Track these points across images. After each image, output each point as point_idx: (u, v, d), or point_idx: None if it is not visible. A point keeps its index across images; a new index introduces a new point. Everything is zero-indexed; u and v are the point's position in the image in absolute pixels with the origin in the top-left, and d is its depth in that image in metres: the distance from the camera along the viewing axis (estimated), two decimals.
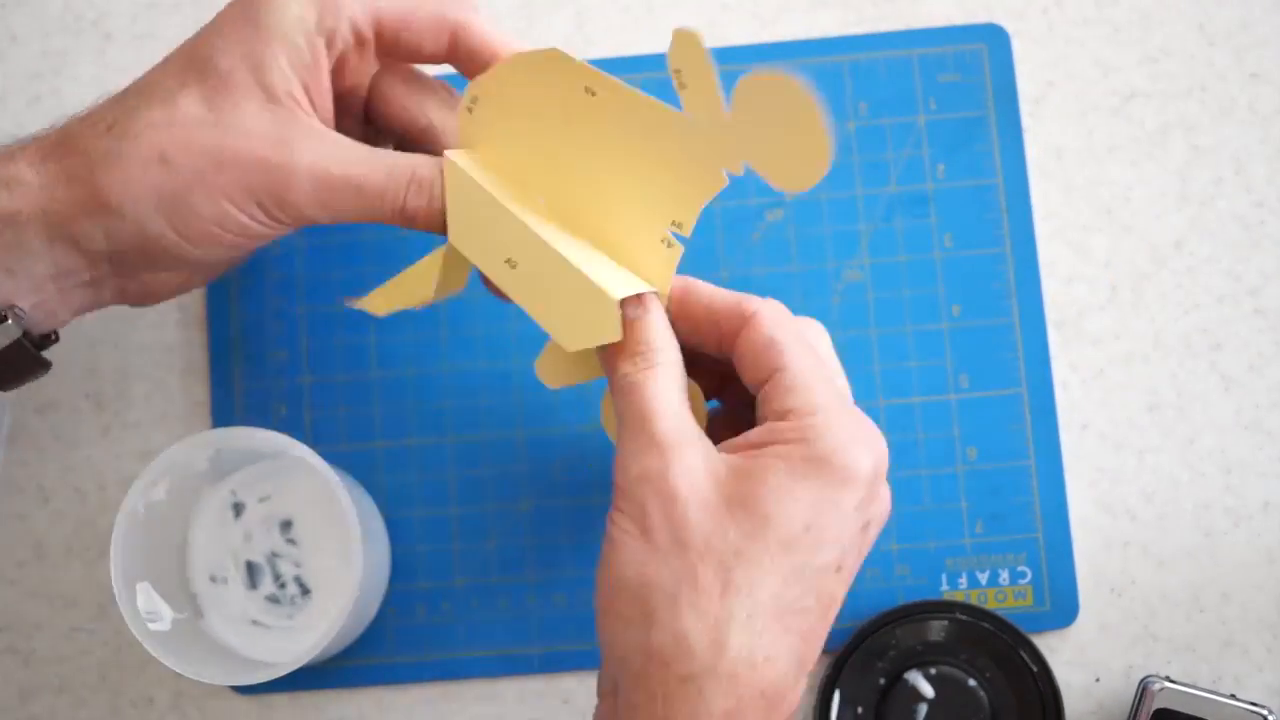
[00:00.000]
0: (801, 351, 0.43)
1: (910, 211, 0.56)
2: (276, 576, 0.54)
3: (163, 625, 0.50)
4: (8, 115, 0.58)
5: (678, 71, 0.40)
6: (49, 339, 0.48)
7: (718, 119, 0.40)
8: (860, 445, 0.42)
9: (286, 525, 0.54)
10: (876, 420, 0.54)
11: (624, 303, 0.42)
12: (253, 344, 0.56)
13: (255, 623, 0.54)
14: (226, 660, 0.52)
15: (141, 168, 0.44)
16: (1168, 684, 0.50)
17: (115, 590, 0.49)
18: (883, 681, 0.52)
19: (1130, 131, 0.57)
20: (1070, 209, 0.57)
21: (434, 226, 0.47)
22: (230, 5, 0.46)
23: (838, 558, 0.41)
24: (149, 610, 0.50)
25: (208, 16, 0.59)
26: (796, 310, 0.55)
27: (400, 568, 0.55)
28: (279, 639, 0.53)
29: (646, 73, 0.57)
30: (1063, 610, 0.54)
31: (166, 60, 0.46)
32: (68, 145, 0.45)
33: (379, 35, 0.47)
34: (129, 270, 0.47)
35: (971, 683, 0.52)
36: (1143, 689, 0.50)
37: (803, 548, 0.41)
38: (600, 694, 0.42)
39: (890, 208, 0.56)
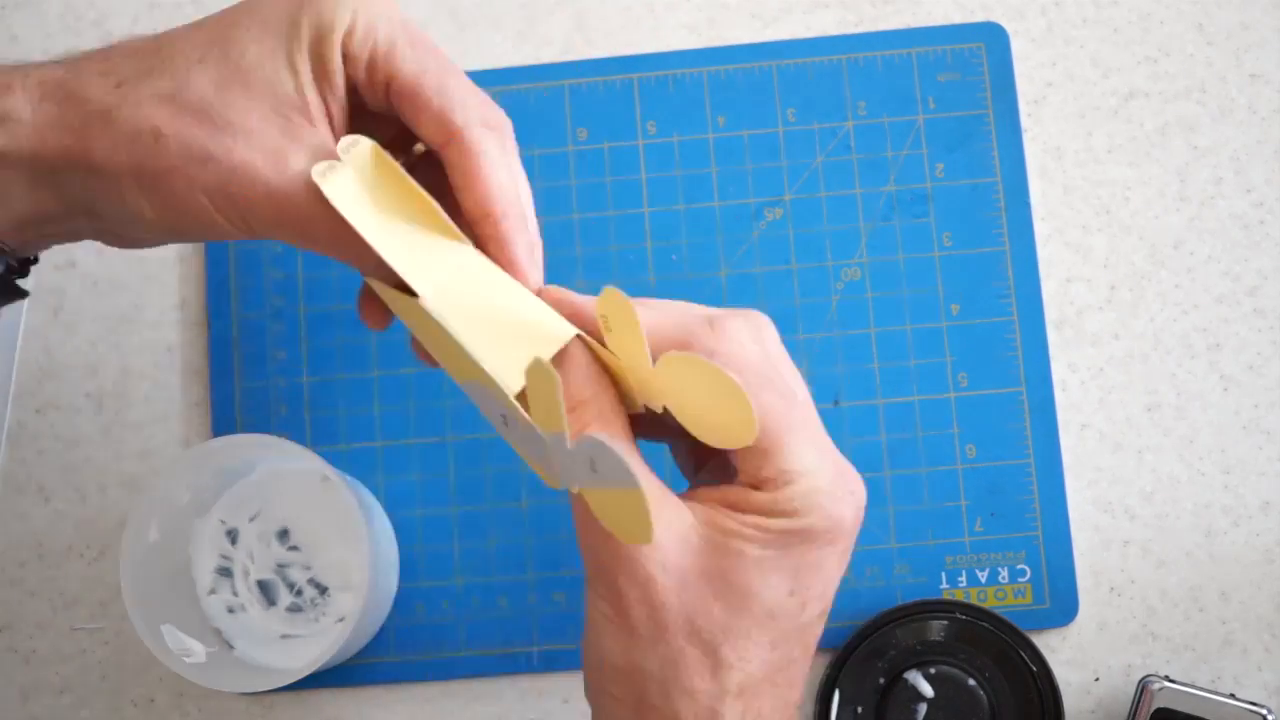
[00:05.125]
0: (789, 379, 0.40)
1: (909, 210, 0.56)
2: (291, 586, 0.54)
3: (198, 659, 0.50)
4: None
5: (604, 317, 0.40)
6: (28, 265, 0.46)
7: (643, 367, 0.39)
8: (841, 501, 0.39)
9: (284, 535, 0.54)
10: (875, 419, 0.55)
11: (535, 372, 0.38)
12: (253, 344, 0.56)
13: (285, 637, 0.54)
14: (265, 672, 0.52)
15: (132, 138, 0.42)
16: (1167, 683, 0.50)
17: (143, 636, 0.49)
18: (882, 681, 0.52)
19: (1130, 131, 0.57)
20: (1069, 209, 0.57)
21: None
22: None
23: (823, 608, 0.40)
24: (180, 648, 0.50)
25: None
26: (796, 309, 0.56)
27: (400, 568, 0.55)
28: (311, 646, 0.54)
29: (645, 72, 0.57)
30: (1062, 608, 0.54)
31: (199, 23, 0.44)
32: (70, 88, 0.42)
33: (377, 81, 0.44)
34: (107, 224, 0.45)
35: (971, 682, 0.52)
36: (1142, 688, 0.50)
37: (789, 612, 0.39)
38: None
39: (889, 206, 0.56)
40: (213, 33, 0.43)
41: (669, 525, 0.39)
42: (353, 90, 0.44)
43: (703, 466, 0.44)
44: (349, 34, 0.42)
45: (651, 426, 0.42)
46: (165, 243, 0.47)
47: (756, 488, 0.39)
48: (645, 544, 0.38)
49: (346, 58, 0.43)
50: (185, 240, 0.46)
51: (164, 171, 0.42)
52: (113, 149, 0.42)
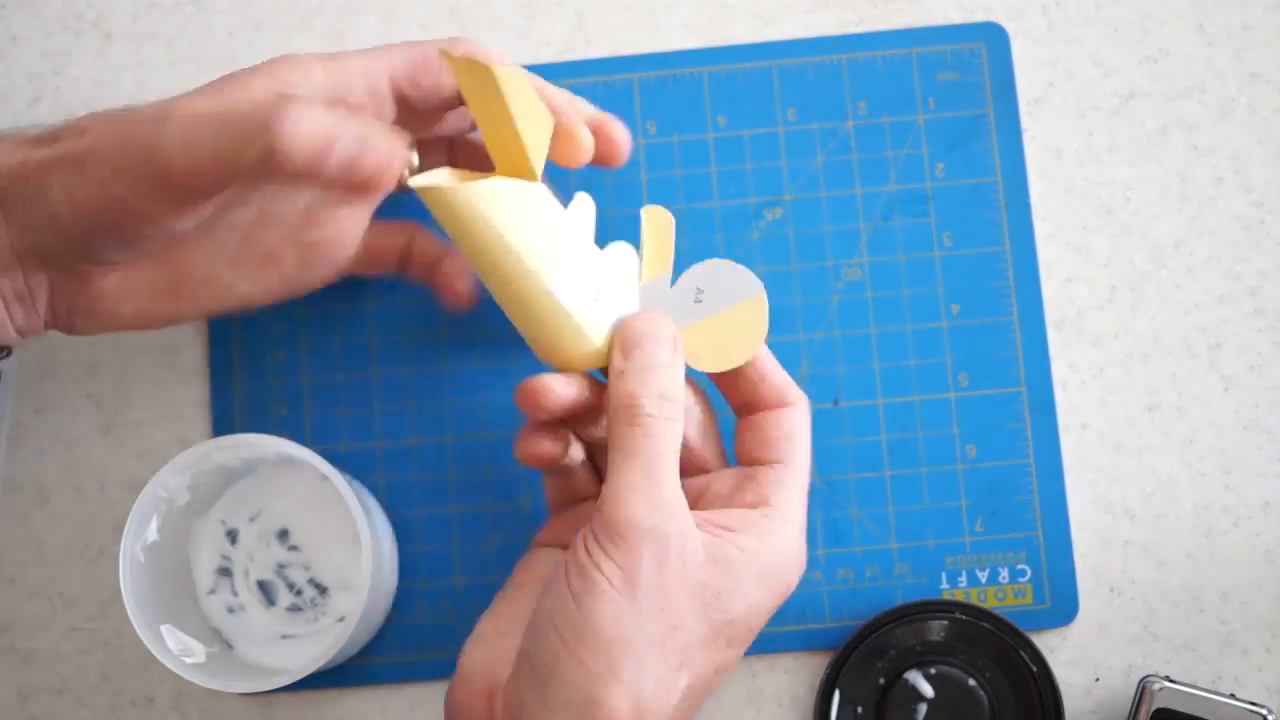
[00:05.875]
0: (806, 455, 0.47)
1: (909, 210, 0.56)
2: (290, 586, 0.54)
3: (198, 659, 0.50)
4: (8, 115, 0.59)
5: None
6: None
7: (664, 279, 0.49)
8: (801, 566, 0.46)
9: (283, 535, 0.54)
10: (875, 419, 0.55)
11: (659, 343, 0.46)
12: (253, 344, 0.56)
13: (285, 637, 0.54)
14: (265, 673, 0.52)
15: (56, 139, 0.44)
16: (1167, 683, 0.50)
17: (142, 637, 0.49)
18: (882, 681, 0.52)
19: (1130, 131, 0.57)
20: (1069, 209, 0.57)
21: (303, 165, 0.42)
22: (255, 65, 0.46)
23: (745, 647, 0.46)
24: (180, 649, 0.50)
25: (208, 17, 0.59)
26: (797, 309, 0.56)
27: (400, 567, 0.55)
28: (311, 646, 0.54)
29: (645, 72, 0.57)
30: (1062, 608, 0.54)
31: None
32: (52, 130, 0.45)
33: (401, 92, 0.47)
34: (70, 254, 0.45)
35: (971, 682, 0.52)
36: (1142, 688, 0.50)
37: (739, 642, 0.45)
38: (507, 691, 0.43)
39: (889, 206, 0.56)
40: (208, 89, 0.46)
41: (694, 529, 0.43)
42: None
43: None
44: (319, 83, 0.46)
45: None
46: (127, 308, 0.48)
47: (757, 506, 0.46)
48: (760, 348, 0.48)
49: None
50: (143, 278, 0.47)
51: (91, 149, 0.43)
52: (43, 154, 0.43)
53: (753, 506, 0.46)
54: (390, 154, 0.43)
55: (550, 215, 0.47)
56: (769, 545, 0.44)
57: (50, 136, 0.45)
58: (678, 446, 0.44)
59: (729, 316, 0.49)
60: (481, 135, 0.46)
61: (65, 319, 0.47)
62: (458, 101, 0.49)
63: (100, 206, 0.43)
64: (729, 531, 0.44)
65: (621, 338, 0.46)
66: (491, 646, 0.44)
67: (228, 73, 0.46)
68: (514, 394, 0.46)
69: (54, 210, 0.43)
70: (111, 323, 0.48)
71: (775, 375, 0.48)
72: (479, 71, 0.44)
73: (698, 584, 0.42)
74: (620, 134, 0.50)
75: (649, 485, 0.42)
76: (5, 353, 0.50)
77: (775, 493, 0.46)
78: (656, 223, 0.49)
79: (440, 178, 0.46)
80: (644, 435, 0.43)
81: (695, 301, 0.49)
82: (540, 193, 0.47)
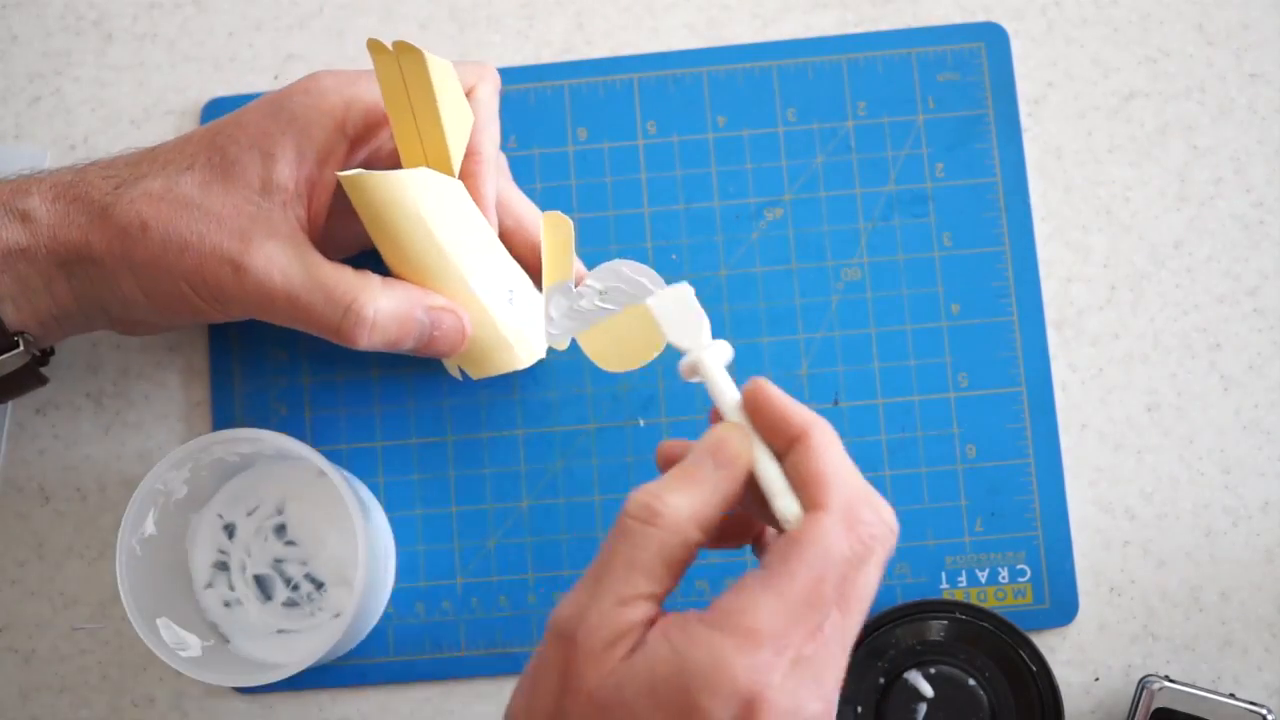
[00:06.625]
0: (831, 496, 0.39)
1: (909, 210, 0.56)
2: (287, 581, 0.54)
3: (193, 652, 0.51)
4: (8, 115, 0.59)
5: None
6: (47, 355, 0.53)
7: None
8: (730, 678, 0.37)
9: (280, 530, 0.54)
10: (875, 419, 0.55)
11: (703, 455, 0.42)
12: (253, 344, 0.56)
13: (281, 631, 0.54)
14: (261, 667, 0.52)
15: (123, 231, 0.47)
16: (1167, 683, 0.50)
17: (138, 630, 0.49)
18: (882, 681, 0.52)
19: (1130, 131, 0.57)
20: (1069, 209, 0.57)
21: (378, 349, 0.49)
22: (271, 94, 0.49)
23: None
24: (175, 642, 0.50)
25: (208, 17, 0.59)
26: (797, 309, 0.56)
27: (400, 568, 0.55)
28: (307, 641, 0.54)
29: (645, 72, 0.57)
30: (1062, 608, 0.54)
31: (193, 134, 0.50)
32: (78, 190, 0.48)
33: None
34: (114, 313, 0.50)
35: (971, 682, 0.52)
36: (1142, 688, 0.50)
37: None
38: None
39: (889, 206, 0.56)
40: (201, 142, 0.49)
41: (601, 652, 0.37)
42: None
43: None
44: (344, 121, 0.48)
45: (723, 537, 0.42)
46: (169, 328, 0.54)
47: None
48: (649, 359, 0.49)
49: (351, 138, 0.49)
50: (180, 324, 0.53)
51: (149, 261, 0.48)
52: (108, 242, 0.48)
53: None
54: (458, 337, 0.50)
55: (468, 213, 0.49)
56: (682, 651, 0.36)
57: (100, 211, 0.48)
58: (650, 559, 0.38)
59: (632, 316, 0.50)
60: (394, 133, 0.48)
61: (129, 330, 0.53)
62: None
63: (175, 308, 0.49)
64: (675, 629, 0.37)
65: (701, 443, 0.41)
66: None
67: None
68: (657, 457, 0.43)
69: (128, 295, 0.49)
70: (171, 329, 0.54)
71: (792, 409, 0.40)
72: (410, 57, 0.46)
73: (592, 705, 0.37)
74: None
75: (585, 586, 0.38)
76: (51, 354, 0.53)
77: (771, 560, 0.38)
78: (557, 229, 0.49)
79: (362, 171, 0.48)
80: (616, 533, 0.39)
81: (597, 303, 0.50)
82: (459, 190, 0.49)
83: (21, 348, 0.49)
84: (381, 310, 0.48)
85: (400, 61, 0.46)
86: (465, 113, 0.49)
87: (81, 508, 0.56)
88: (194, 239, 0.47)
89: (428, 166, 0.48)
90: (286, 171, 0.48)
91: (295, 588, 0.54)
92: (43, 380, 0.52)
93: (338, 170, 0.48)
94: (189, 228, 0.47)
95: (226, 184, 0.48)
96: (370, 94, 0.49)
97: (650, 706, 0.36)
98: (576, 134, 0.57)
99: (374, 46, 0.46)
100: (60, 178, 0.49)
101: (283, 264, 0.48)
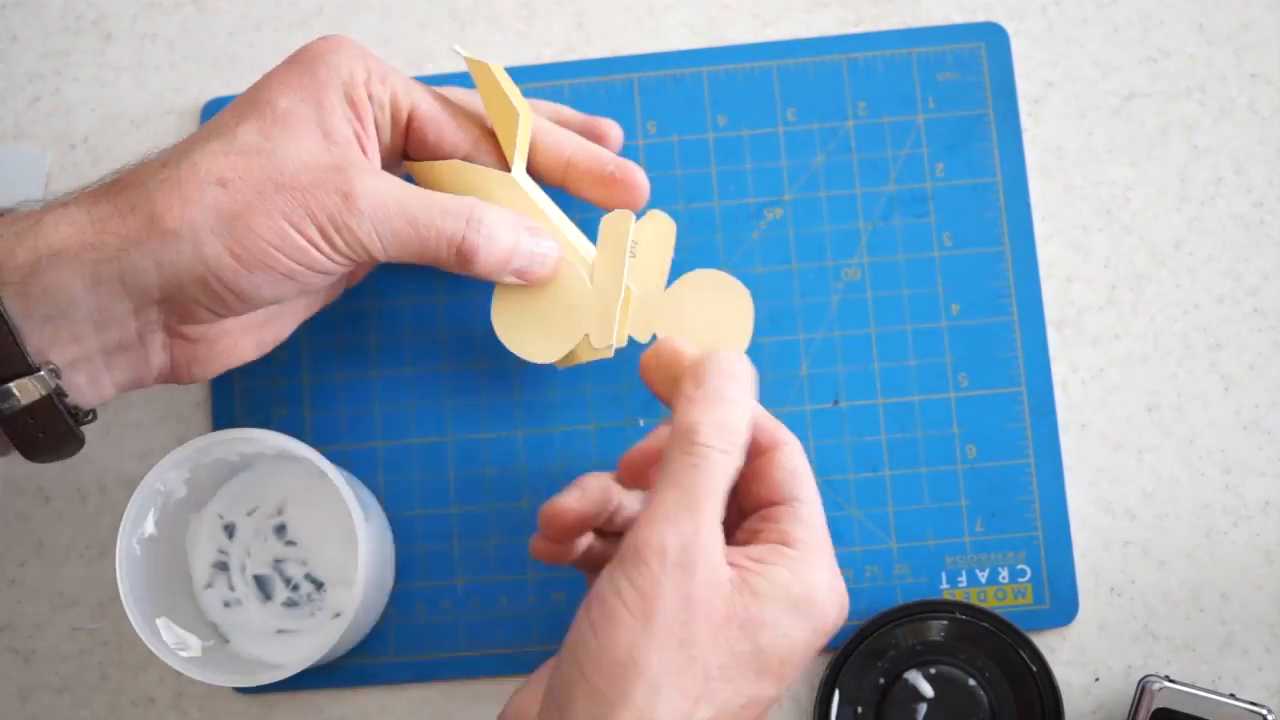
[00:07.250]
0: (815, 491, 0.46)
1: (909, 210, 0.56)
2: (287, 581, 0.54)
3: (193, 653, 0.51)
4: (7, 115, 0.59)
5: (635, 243, 0.51)
6: (87, 414, 0.47)
7: (658, 288, 0.52)
8: (838, 601, 0.44)
9: (280, 530, 0.54)
10: (875, 419, 0.55)
11: (731, 378, 0.45)
12: None
13: (281, 631, 0.54)
14: (261, 667, 0.52)
15: (199, 190, 0.44)
16: (1167, 683, 0.50)
17: (138, 629, 0.49)
18: (882, 681, 0.52)
19: (1130, 131, 0.57)
20: (1069, 209, 0.57)
21: (491, 269, 0.49)
22: (287, 59, 0.48)
23: (792, 684, 0.45)
24: (175, 642, 0.50)
25: (208, 17, 0.59)
26: (796, 309, 0.56)
27: (400, 568, 0.55)
28: (307, 641, 0.54)
29: (645, 72, 0.57)
30: (1062, 608, 0.54)
31: (222, 111, 0.47)
32: (123, 183, 0.45)
33: (409, 126, 0.50)
34: (178, 313, 0.46)
35: (971, 682, 0.52)
36: (1142, 688, 0.50)
37: (771, 677, 0.42)
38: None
39: (889, 206, 0.56)
40: (240, 104, 0.47)
41: (725, 562, 0.42)
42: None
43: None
44: (368, 80, 0.47)
45: None
46: (234, 350, 0.50)
47: (784, 543, 0.44)
48: (744, 347, 0.51)
49: (371, 100, 0.48)
50: (262, 297, 0.47)
51: (242, 209, 0.44)
52: (183, 205, 0.44)
53: (779, 544, 0.45)
54: (550, 263, 0.50)
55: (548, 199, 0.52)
56: (799, 577, 0.43)
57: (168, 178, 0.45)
58: (727, 484, 0.43)
59: (715, 304, 0.51)
60: (499, 136, 0.50)
61: (185, 369, 0.48)
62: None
63: (271, 260, 0.45)
64: (758, 563, 0.43)
65: (696, 367, 0.45)
66: (534, 686, 0.44)
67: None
68: (537, 518, 0.48)
69: (212, 263, 0.45)
70: (232, 360, 0.50)
71: (764, 419, 0.46)
72: (486, 67, 0.49)
73: (721, 617, 0.41)
74: (638, 178, 0.53)
75: (684, 517, 0.41)
76: (90, 416, 0.47)
77: (798, 529, 0.44)
78: (660, 230, 0.52)
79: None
80: (694, 465, 0.42)
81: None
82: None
83: (41, 372, 0.44)
84: (498, 220, 0.48)
85: (494, 72, 0.49)
86: (527, 112, 0.50)
87: (81, 508, 0.56)
88: (287, 179, 0.45)
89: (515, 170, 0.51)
90: (341, 119, 0.47)
91: (295, 588, 0.54)
92: (77, 439, 0.46)
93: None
94: (277, 169, 0.45)
95: (290, 130, 0.46)
96: (379, 69, 0.48)
97: (793, 617, 0.42)
98: None
99: (472, 63, 0.50)
100: (93, 187, 0.46)
101: (390, 188, 0.46)
